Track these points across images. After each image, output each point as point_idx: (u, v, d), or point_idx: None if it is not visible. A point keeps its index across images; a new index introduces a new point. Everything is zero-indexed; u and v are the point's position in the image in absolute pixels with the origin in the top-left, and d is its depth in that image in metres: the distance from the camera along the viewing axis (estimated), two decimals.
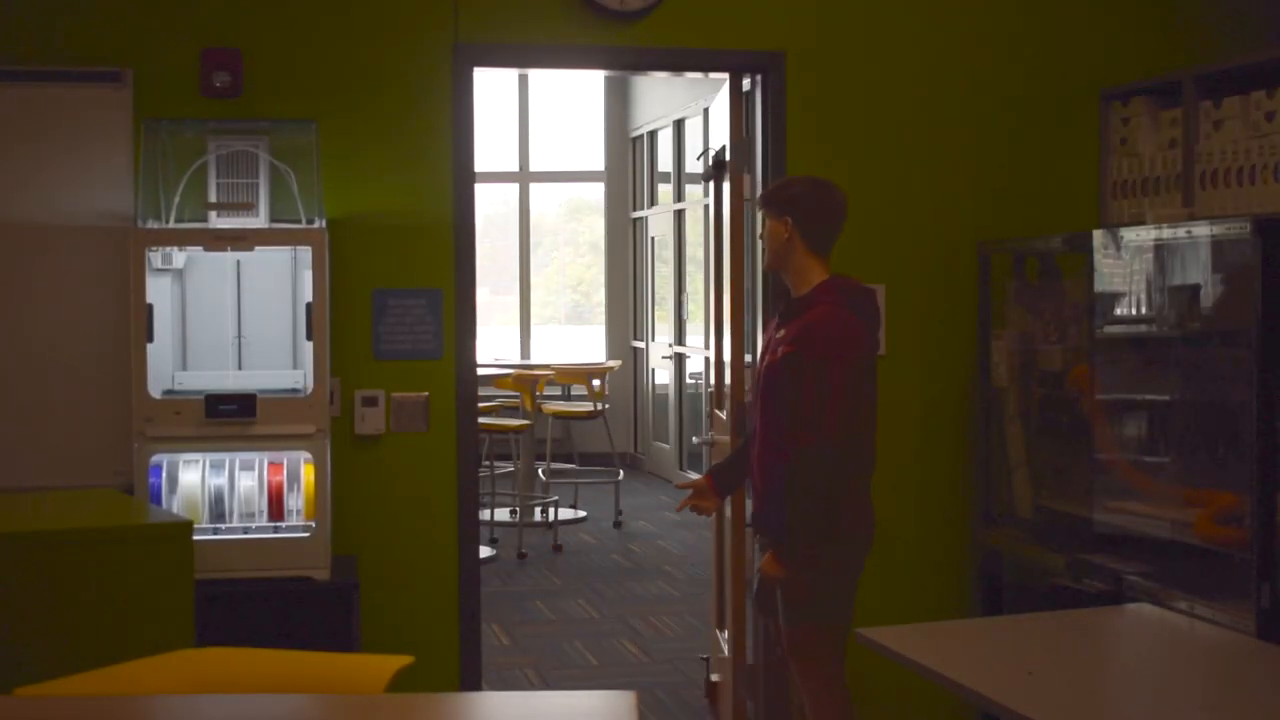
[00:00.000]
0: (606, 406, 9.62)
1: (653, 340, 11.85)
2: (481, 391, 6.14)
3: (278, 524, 4.57)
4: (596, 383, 9.39)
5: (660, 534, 9.26)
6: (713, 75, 5.32)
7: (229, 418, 4.44)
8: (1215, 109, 4.48)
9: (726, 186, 5.11)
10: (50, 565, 3.54)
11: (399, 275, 4.92)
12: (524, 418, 9.15)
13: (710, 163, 5.44)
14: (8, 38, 4.73)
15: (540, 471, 9.44)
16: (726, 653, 5.05)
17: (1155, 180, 4.80)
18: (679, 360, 11.20)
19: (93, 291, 4.71)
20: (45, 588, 3.52)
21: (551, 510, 9.23)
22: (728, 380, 5.09)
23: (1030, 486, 4.93)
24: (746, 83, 5.22)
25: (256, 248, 4.60)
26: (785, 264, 4.10)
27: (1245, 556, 3.73)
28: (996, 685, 3.04)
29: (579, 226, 13.74)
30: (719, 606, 5.30)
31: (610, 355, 12.15)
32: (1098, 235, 4.48)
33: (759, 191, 5.02)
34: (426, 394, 4.93)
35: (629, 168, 12.23)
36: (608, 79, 11.85)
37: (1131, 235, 4.30)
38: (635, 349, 12.15)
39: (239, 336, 4.81)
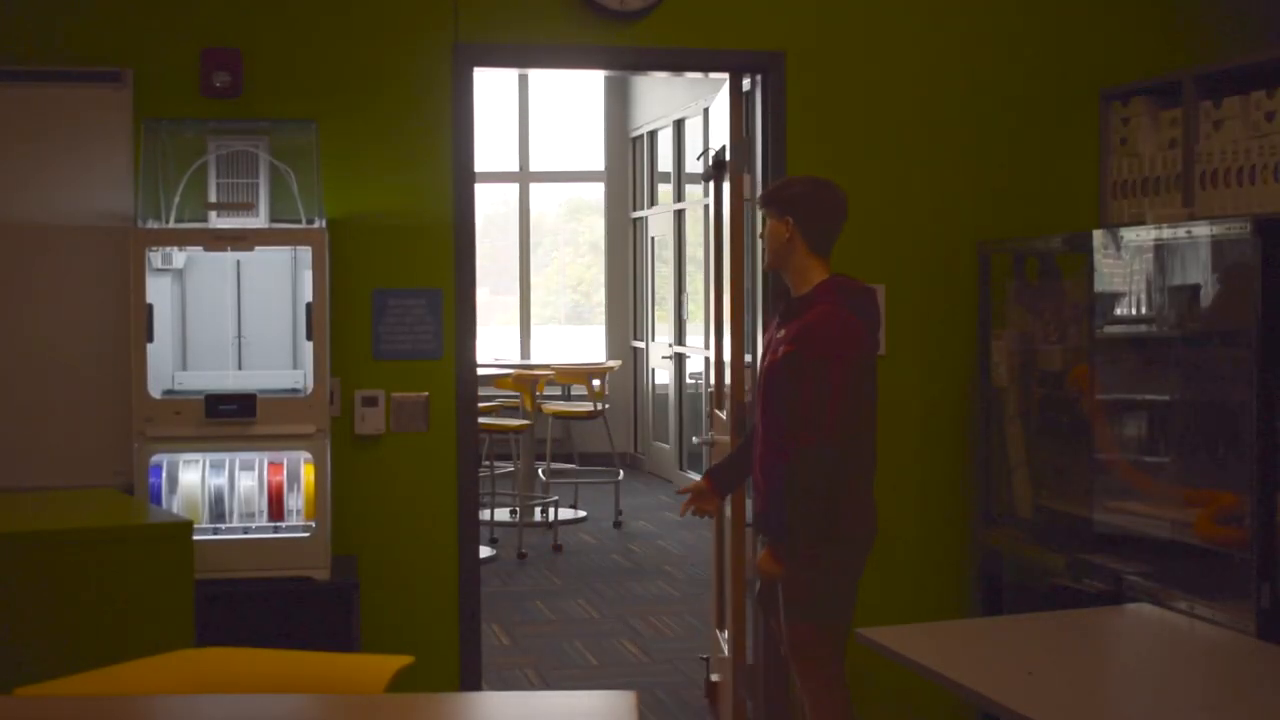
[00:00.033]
0: (606, 406, 9.62)
1: (653, 340, 11.85)
2: (481, 391, 6.14)
3: (278, 524, 4.57)
4: (596, 383, 9.39)
5: (660, 534, 9.26)
6: (713, 75, 5.32)
7: (229, 418, 4.44)
8: (1215, 109, 4.48)
9: (726, 186, 5.11)
10: (50, 565, 3.54)
11: (399, 275, 4.92)
12: (524, 418, 9.15)
13: (710, 163, 5.45)
14: (8, 38, 4.73)
15: (540, 471, 9.44)
16: (726, 653, 5.05)
17: (1155, 180, 4.80)
18: (679, 360, 11.20)
19: (93, 291, 4.71)
20: (45, 588, 3.52)
21: (551, 510, 9.23)
22: (728, 380, 5.09)
23: (1030, 486, 4.93)
24: (746, 83, 5.22)
25: (256, 248, 4.60)
26: (786, 264, 4.11)
27: (1245, 556, 3.73)
28: (996, 685, 3.04)
29: (579, 226, 13.74)
30: (719, 606, 5.30)
31: (610, 355, 12.15)
32: (1098, 235, 4.48)
33: (759, 191, 5.02)
34: (426, 394, 4.93)
35: (629, 168, 12.23)
36: (608, 79, 11.85)
37: (1131, 235, 4.30)
38: (635, 349, 12.16)
39: (239, 336, 4.81)
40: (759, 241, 4.30)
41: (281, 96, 4.83)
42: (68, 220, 4.73)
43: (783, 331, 4.05)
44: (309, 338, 4.53)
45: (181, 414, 4.44)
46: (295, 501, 4.58)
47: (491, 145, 11.85)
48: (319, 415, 4.49)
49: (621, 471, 9.90)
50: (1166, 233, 4.14)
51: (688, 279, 11.01)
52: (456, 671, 4.97)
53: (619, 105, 12.23)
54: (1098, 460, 4.52)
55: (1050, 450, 4.86)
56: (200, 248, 4.62)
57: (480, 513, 6.01)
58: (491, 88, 11.62)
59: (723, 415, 5.19)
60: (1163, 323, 4.25)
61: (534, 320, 12.32)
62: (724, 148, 5.17)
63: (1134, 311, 4.36)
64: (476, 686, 5.02)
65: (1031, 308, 4.96)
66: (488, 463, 8.97)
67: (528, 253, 12.29)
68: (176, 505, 4.52)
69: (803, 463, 3.90)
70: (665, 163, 11.51)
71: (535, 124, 12.31)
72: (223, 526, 4.55)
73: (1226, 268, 3.96)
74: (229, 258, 4.76)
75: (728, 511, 4.93)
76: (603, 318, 12.49)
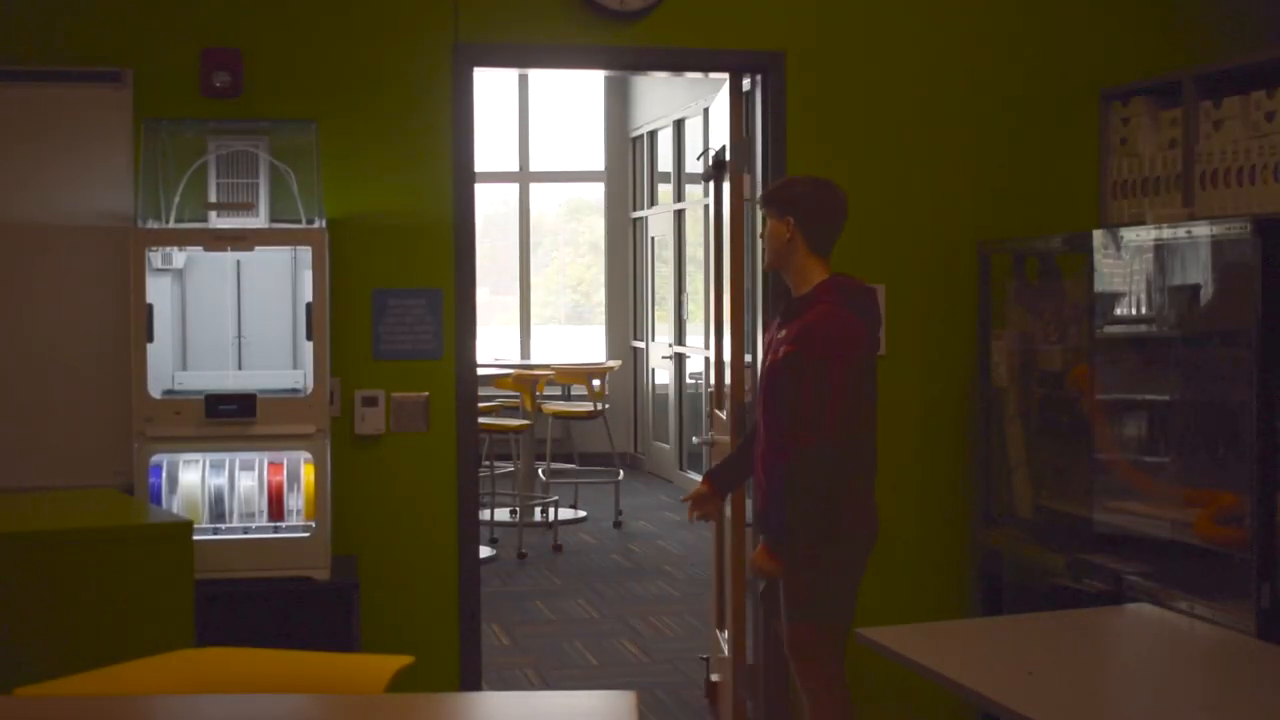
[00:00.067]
0: (606, 406, 9.62)
1: (653, 340, 11.85)
2: (481, 391, 6.14)
3: (278, 524, 4.57)
4: (596, 383, 9.39)
5: (660, 534, 9.26)
6: (713, 75, 5.32)
7: (229, 418, 4.44)
8: (1215, 109, 4.48)
9: (726, 186, 5.11)
10: (50, 565, 3.53)
11: (399, 275, 4.92)
12: (524, 418, 9.15)
13: (710, 163, 5.45)
14: (8, 38, 4.73)
15: (540, 471, 9.44)
16: (726, 653, 5.05)
17: (1155, 180, 4.80)
18: (679, 360, 11.20)
19: (93, 291, 4.71)
20: (45, 588, 3.52)
21: (551, 510, 9.23)
22: (728, 380, 5.09)
23: (1030, 486, 4.93)
24: (746, 83, 5.22)
25: (256, 248, 4.60)
26: (787, 264, 4.11)
27: (1245, 556, 3.73)
28: (996, 685, 3.04)
29: (579, 226, 13.74)
30: (719, 606, 5.30)
31: (610, 355, 12.15)
32: (1098, 235, 4.48)
33: (759, 191, 5.02)
34: (426, 394, 4.93)
35: (629, 168, 12.23)
36: (608, 79, 11.85)
37: (1131, 235, 4.30)
38: (635, 349, 12.16)
39: (239, 336, 4.81)
40: (759, 241, 4.30)
41: (281, 96, 4.83)
42: (68, 220, 4.73)
43: (784, 332, 4.05)
44: (309, 338, 4.53)
45: (181, 414, 4.44)
46: (295, 501, 4.58)
47: (491, 145, 11.85)
48: (319, 415, 4.49)
49: (621, 471, 9.89)
50: (1166, 233, 4.14)
51: (688, 279, 11.01)
52: (456, 671, 4.97)
53: (619, 105, 12.23)
54: (1098, 460, 4.52)
55: (1050, 450, 4.86)
56: (200, 248, 4.62)
57: (480, 513, 6.01)
58: (491, 88, 11.62)
59: (723, 415, 5.19)
60: (1163, 323, 4.25)
61: (534, 320, 12.32)
62: (724, 148, 5.17)
63: (1134, 311, 4.36)
64: (476, 686, 5.02)
65: (1031, 308, 4.96)
66: (488, 463, 8.97)
67: (528, 253, 12.29)
68: (176, 505, 4.51)
69: (803, 463, 3.90)
70: (665, 163, 11.51)
71: (535, 124, 12.31)
72: (223, 526, 4.55)
73: (1226, 267, 3.96)
74: (229, 258, 4.76)
75: (728, 512, 4.93)
76: (603, 318, 12.49)
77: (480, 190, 5.13)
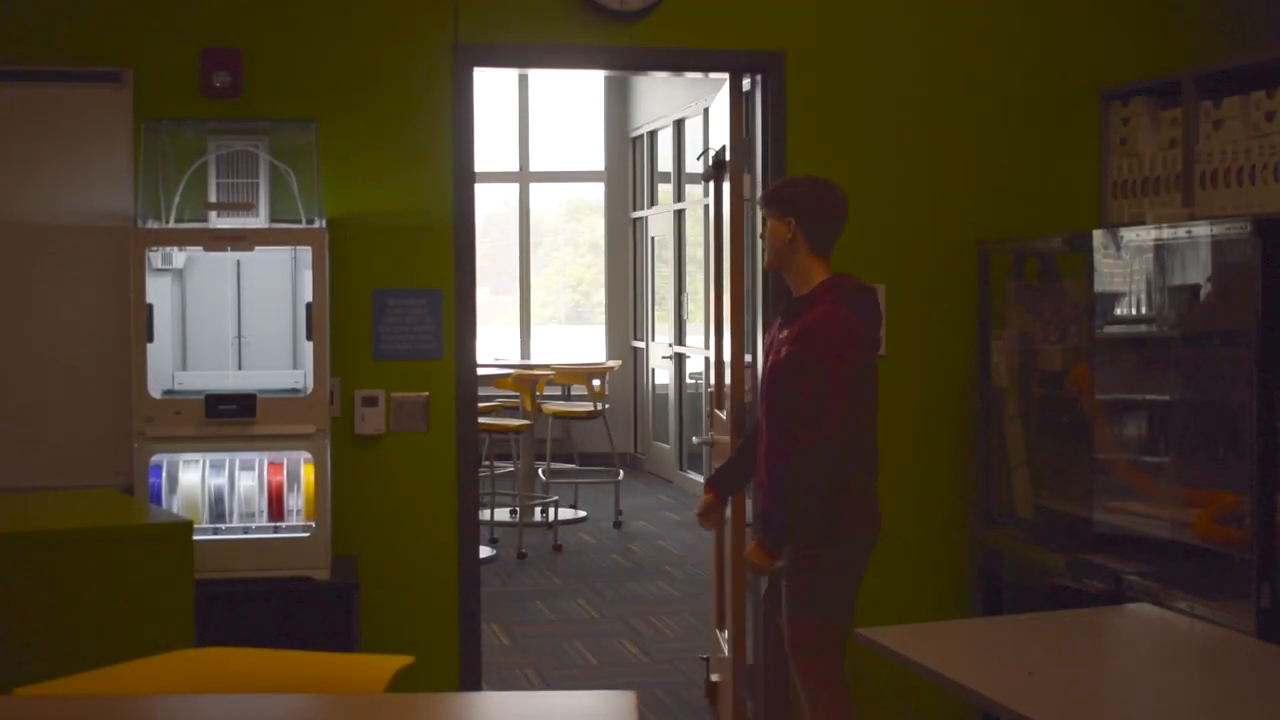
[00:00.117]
0: (606, 406, 9.62)
1: (653, 340, 11.85)
2: (481, 391, 6.14)
3: (278, 524, 4.57)
4: (596, 383, 9.39)
5: (660, 534, 9.26)
6: (713, 75, 5.32)
7: (229, 418, 4.44)
8: (1215, 109, 4.48)
9: (726, 186, 5.11)
10: (50, 565, 3.53)
11: (399, 275, 4.92)
12: (524, 418, 9.15)
13: (710, 163, 5.45)
14: (8, 38, 4.73)
15: (540, 471, 9.44)
16: (726, 653, 5.05)
17: (1155, 180, 4.80)
18: (679, 360, 11.20)
19: (93, 291, 4.71)
20: (45, 588, 3.52)
21: (551, 510, 9.23)
22: (728, 380, 5.09)
23: (1030, 486, 4.93)
24: (746, 83, 5.22)
25: (256, 248, 4.60)
26: (787, 264, 4.11)
27: (1245, 556, 3.73)
28: (996, 685, 3.04)
29: (579, 226, 13.74)
30: (719, 606, 5.30)
31: (610, 355, 12.15)
32: (1098, 235, 4.48)
33: (759, 191, 5.02)
34: (426, 394, 4.93)
35: (629, 168, 12.23)
36: (608, 79, 11.85)
37: (1131, 235, 4.30)
38: (635, 349, 12.16)
39: (239, 336, 4.81)
40: (759, 241, 4.30)
41: (281, 96, 4.83)
42: (68, 220, 4.73)
43: (785, 332, 4.05)
44: (309, 338, 4.53)
45: (181, 414, 4.44)
46: (295, 501, 4.58)
47: (491, 145, 11.85)
48: (319, 415, 4.49)
49: (621, 471, 9.90)
50: (1166, 233, 4.14)
51: (688, 279, 11.01)
52: (456, 671, 4.97)
53: (619, 105, 12.23)
54: (1098, 460, 4.52)
55: (1050, 450, 4.86)
56: (200, 248, 4.62)
57: (480, 513, 6.01)
58: (491, 88, 11.62)
59: (723, 415, 5.19)
60: (1163, 323, 4.25)
61: (534, 320, 12.32)
62: (724, 148, 5.17)
63: (1134, 311, 4.36)
64: (476, 686, 5.02)
65: (1031, 308, 4.96)
66: (488, 463, 8.97)
67: (528, 253, 12.29)
68: (176, 505, 4.52)
69: (803, 463, 3.90)
70: (665, 163, 11.51)
71: (535, 124, 12.31)
72: (223, 526, 4.55)
73: (1226, 267, 3.96)
74: (229, 258, 4.76)
75: (727, 512, 4.93)
76: (603, 318, 12.49)
77: (480, 190, 5.13)
